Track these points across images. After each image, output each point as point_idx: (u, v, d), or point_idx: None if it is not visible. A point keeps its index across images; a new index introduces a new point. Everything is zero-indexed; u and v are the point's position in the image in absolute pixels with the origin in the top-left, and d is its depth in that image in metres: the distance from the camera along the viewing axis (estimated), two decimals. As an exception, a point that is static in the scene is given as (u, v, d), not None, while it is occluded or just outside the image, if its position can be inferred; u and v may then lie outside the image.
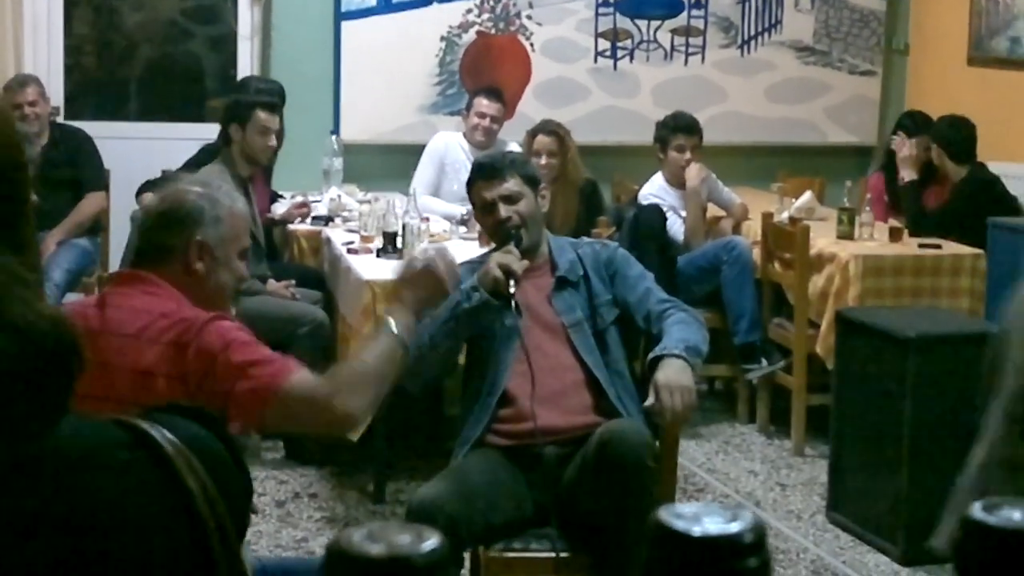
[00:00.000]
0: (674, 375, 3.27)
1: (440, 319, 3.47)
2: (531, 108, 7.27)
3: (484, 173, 3.65)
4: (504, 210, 3.58)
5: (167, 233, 2.68)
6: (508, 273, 3.43)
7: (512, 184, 3.60)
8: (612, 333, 3.60)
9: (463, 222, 5.93)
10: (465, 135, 6.45)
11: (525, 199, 3.61)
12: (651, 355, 3.37)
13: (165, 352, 2.52)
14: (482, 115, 6.35)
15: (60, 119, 6.65)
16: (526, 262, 3.52)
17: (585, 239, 3.94)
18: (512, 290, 3.42)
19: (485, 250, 3.91)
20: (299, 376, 2.52)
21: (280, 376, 2.49)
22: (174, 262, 2.67)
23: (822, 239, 5.72)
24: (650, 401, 3.28)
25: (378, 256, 5.17)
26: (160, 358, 2.51)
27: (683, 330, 3.41)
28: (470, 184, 3.71)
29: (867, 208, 5.97)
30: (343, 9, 7.08)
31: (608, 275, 3.64)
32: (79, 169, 6.22)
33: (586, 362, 3.52)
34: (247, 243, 2.83)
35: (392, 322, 2.70)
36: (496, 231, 3.63)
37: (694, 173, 6.06)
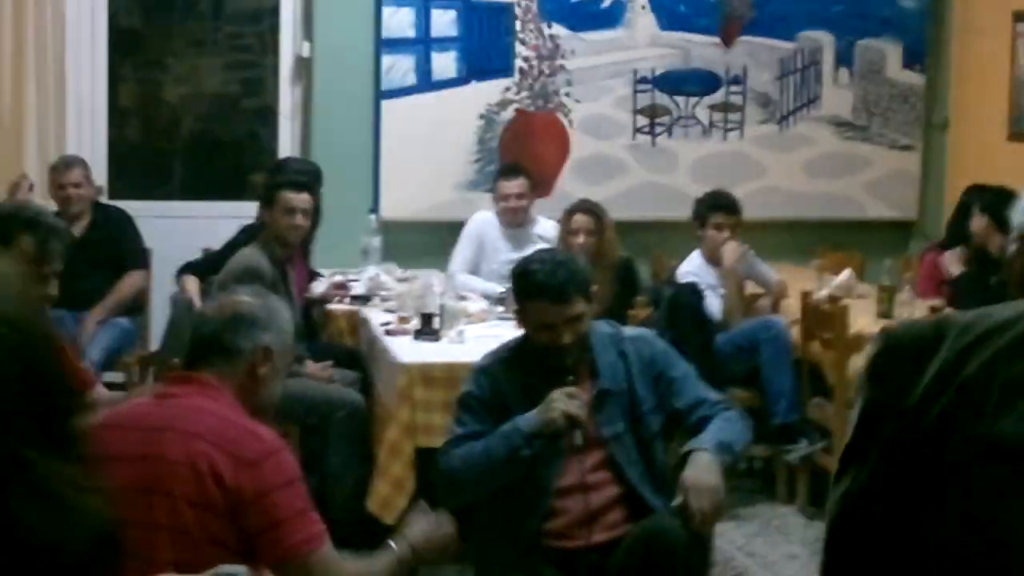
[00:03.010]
0: (702, 474, 3.22)
1: (496, 456, 3.38)
2: (569, 184, 7.31)
3: (549, 296, 3.43)
4: (569, 335, 3.42)
5: (237, 336, 2.73)
6: (574, 421, 3.34)
7: (576, 307, 3.43)
8: (658, 441, 3.51)
9: (501, 301, 5.95)
10: (497, 215, 6.49)
11: (586, 317, 3.47)
12: (683, 449, 3.34)
13: (221, 458, 2.55)
14: (505, 196, 6.39)
15: (104, 199, 6.72)
16: (585, 399, 3.40)
17: (627, 329, 3.78)
18: (579, 442, 3.35)
19: (517, 332, 3.77)
20: (326, 551, 2.61)
21: (309, 544, 2.58)
22: (239, 364, 2.72)
23: (861, 318, 5.68)
24: (677, 501, 3.24)
25: (415, 338, 5.18)
26: (214, 461, 2.55)
27: (720, 427, 3.38)
28: (529, 298, 3.50)
29: (908, 287, 5.93)
30: (383, 88, 7.15)
31: (652, 377, 3.51)
32: (119, 248, 6.27)
33: (628, 477, 3.45)
34: (294, 351, 2.90)
35: (396, 544, 2.82)
36: (553, 354, 3.47)
37: (731, 251, 6.05)
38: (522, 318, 3.56)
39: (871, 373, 1.61)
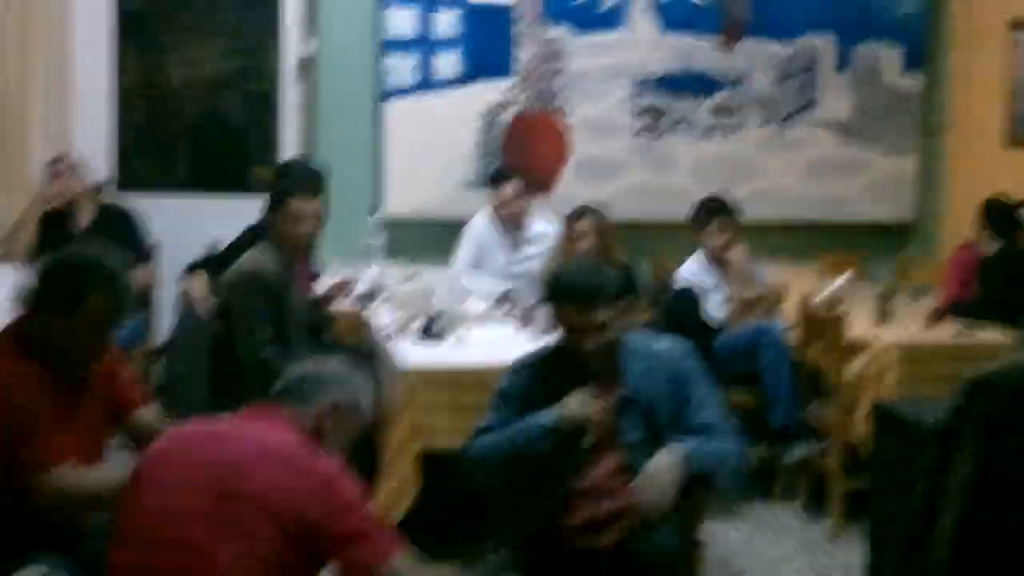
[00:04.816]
0: (661, 468, 3.34)
1: (515, 446, 3.49)
2: (570, 185, 7.37)
3: (575, 300, 3.49)
4: (593, 341, 3.49)
5: (316, 388, 2.96)
6: (587, 422, 3.46)
7: (602, 314, 3.48)
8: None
9: (502, 300, 6.01)
10: (492, 216, 6.54)
11: (612, 326, 3.51)
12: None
13: (288, 485, 2.72)
14: (499, 202, 6.44)
15: (112, 195, 6.76)
16: (604, 404, 3.50)
17: (661, 341, 3.76)
18: (586, 444, 3.46)
19: (533, 340, 3.84)
20: (399, 559, 2.77)
21: (382, 556, 2.75)
22: (311, 412, 2.94)
23: (860, 321, 5.75)
24: (632, 484, 3.37)
25: (418, 340, 5.23)
26: (282, 489, 2.71)
27: (706, 444, 3.46)
28: (556, 301, 3.56)
29: (905, 291, 5.99)
30: (385, 87, 7.19)
31: (675, 392, 3.57)
32: (124, 243, 6.30)
33: None
34: (364, 427, 3.12)
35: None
36: (577, 358, 3.54)
37: (739, 255, 6.11)
38: (554, 320, 3.65)
39: (983, 424, 1.64)
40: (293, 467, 2.73)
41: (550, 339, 3.72)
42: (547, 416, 3.46)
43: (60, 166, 6.33)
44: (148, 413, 3.54)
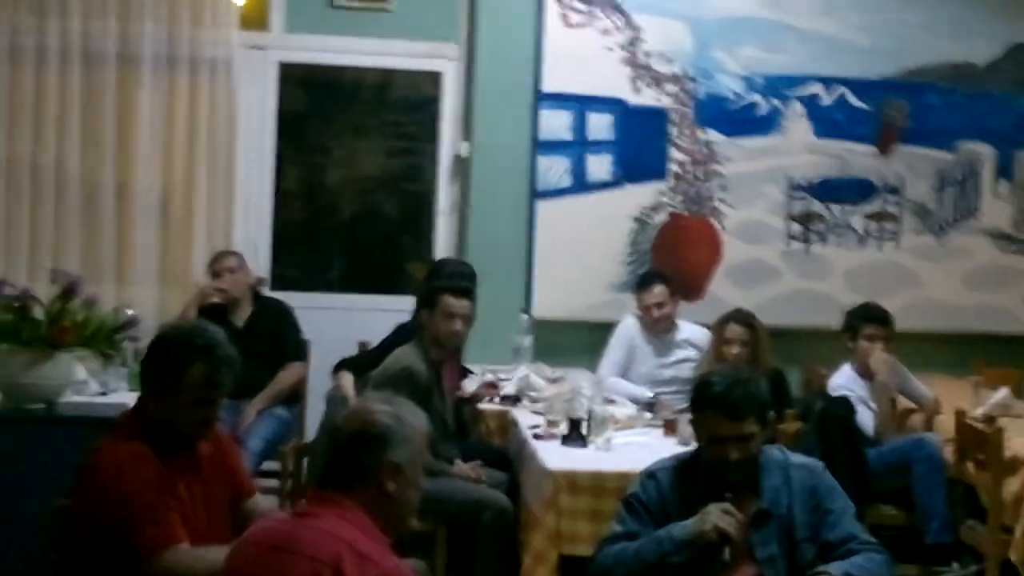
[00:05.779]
0: None
1: (646, 559, 3.42)
2: (721, 289, 7.32)
3: (723, 410, 3.46)
4: (737, 452, 3.46)
5: (361, 454, 2.76)
6: (725, 537, 3.37)
7: (749, 426, 3.46)
8: (810, 571, 3.45)
9: (649, 407, 5.97)
10: (639, 319, 6.52)
11: (757, 438, 3.49)
12: (810, 572, 3.32)
13: None
14: (646, 307, 6.44)
15: (266, 291, 6.91)
16: (743, 519, 3.43)
17: (796, 456, 3.70)
18: (727, 559, 3.37)
19: (668, 448, 3.82)
20: None
21: None
22: (368, 483, 2.75)
23: (1018, 438, 5.57)
24: None
25: (563, 443, 5.22)
26: None
27: (858, 563, 3.35)
28: (703, 409, 3.53)
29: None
30: (538, 188, 7.27)
31: (811, 506, 3.50)
32: (279, 339, 6.43)
33: None
34: (429, 455, 2.92)
35: None
36: (717, 469, 3.50)
37: (880, 361, 5.98)
38: (695, 429, 3.61)
39: None
40: (347, 569, 2.60)
41: (686, 448, 3.67)
42: (684, 528, 3.40)
43: (230, 262, 6.47)
44: (264, 502, 3.57)
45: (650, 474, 3.64)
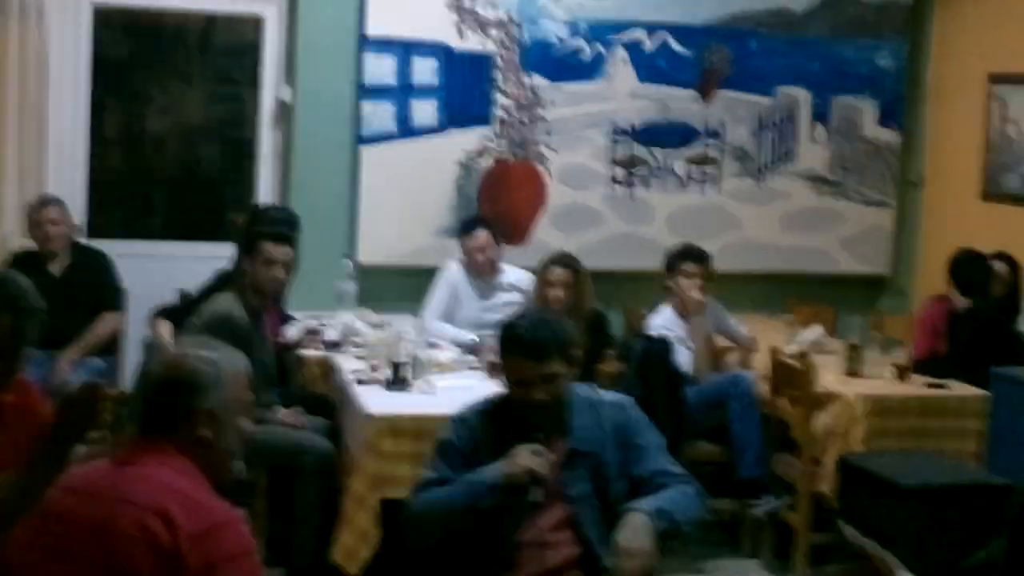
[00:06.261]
0: (633, 536, 3.23)
1: (457, 503, 3.42)
2: (545, 233, 7.37)
3: (527, 352, 3.45)
4: (542, 393, 3.45)
5: (172, 400, 2.69)
6: (535, 478, 3.37)
7: (553, 366, 3.45)
8: (621, 507, 3.43)
9: (472, 350, 5.99)
10: (463, 264, 6.54)
11: (563, 378, 3.49)
12: (621, 508, 3.37)
13: (172, 530, 2.51)
14: (469, 251, 6.50)
15: (84, 239, 6.74)
16: (552, 459, 3.43)
17: (605, 394, 3.73)
18: (537, 498, 3.38)
19: (491, 391, 3.79)
20: None
21: None
22: (183, 429, 2.67)
23: (829, 374, 5.74)
24: (608, 563, 3.28)
25: (387, 388, 5.21)
26: (164, 533, 2.51)
27: (669, 496, 3.39)
28: (508, 353, 3.52)
29: (878, 344, 5.99)
30: (363, 134, 7.21)
31: (621, 443, 3.53)
32: (97, 289, 6.30)
33: (588, 537, 3.45)
34: (250, 398, 2.86)
35: None
36: (525, 411, 3.49)
37: (694, 298, 6.09)
38: (504, 373, 3.60)
39: None
40: (177, 514, 2.52)
41: (497, 391, 3.68)
42: (492, 472, 3.39)
43: (51, 213, 6.27)
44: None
45: (461, 418, 3.63)
